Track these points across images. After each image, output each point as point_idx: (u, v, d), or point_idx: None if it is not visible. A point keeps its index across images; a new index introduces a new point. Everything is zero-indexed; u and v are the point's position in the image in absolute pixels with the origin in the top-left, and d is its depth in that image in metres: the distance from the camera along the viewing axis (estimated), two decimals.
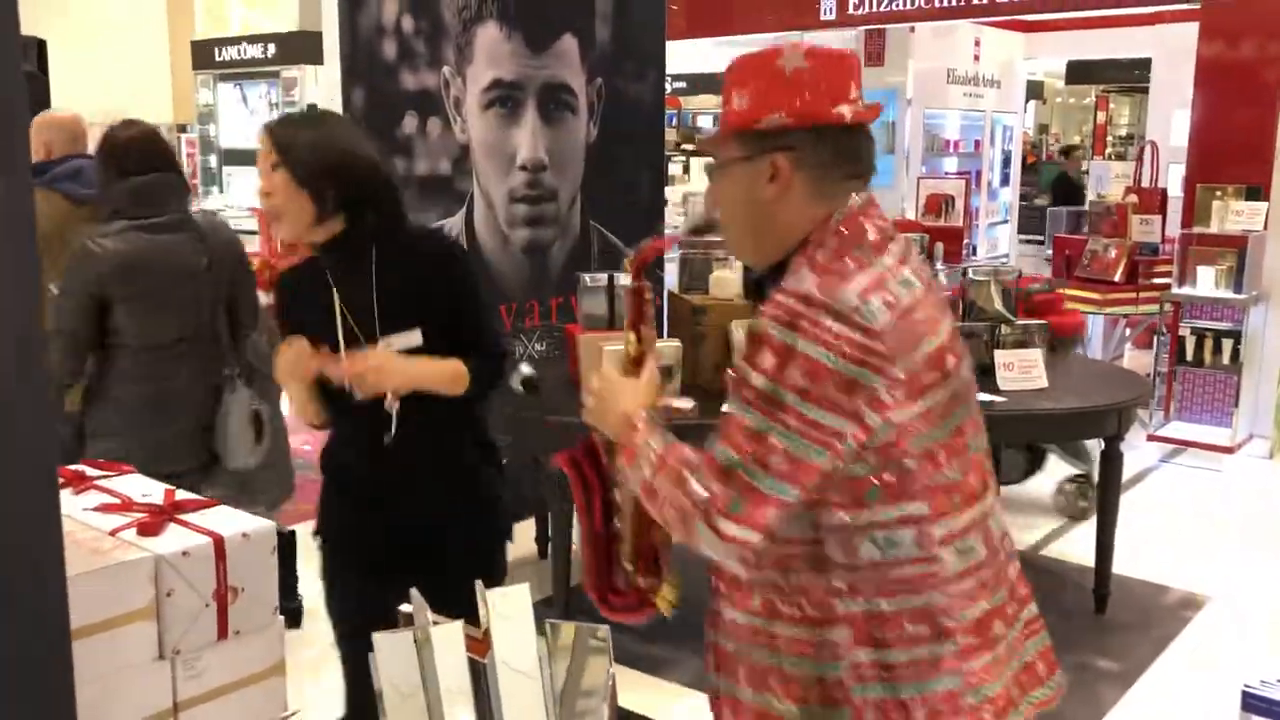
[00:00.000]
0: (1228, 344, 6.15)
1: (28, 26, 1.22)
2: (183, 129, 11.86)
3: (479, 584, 1.35)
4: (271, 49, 10.16)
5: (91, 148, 3.34)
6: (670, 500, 1.43)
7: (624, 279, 3.83)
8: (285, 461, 3.59)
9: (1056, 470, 5.28)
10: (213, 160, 11.16)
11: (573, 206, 4.89)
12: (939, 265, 6.36)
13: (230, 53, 10.55)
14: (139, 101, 9.69)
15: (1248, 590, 4.43)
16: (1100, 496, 4.19)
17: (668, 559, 1.72)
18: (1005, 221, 10.99)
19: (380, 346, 2.17)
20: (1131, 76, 13.70)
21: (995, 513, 1.56)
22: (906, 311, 1.42)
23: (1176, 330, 6.27)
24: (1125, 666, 3.83)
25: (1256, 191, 6.13)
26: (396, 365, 2.15)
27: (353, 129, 2.37)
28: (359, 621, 1.81)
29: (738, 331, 3.85)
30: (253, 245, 7.98)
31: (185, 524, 1.56)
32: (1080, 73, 14.81)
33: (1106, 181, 8.92)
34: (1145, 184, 8.11)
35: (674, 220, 8.67)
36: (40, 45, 5.25)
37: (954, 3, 7.86)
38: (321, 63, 4.34)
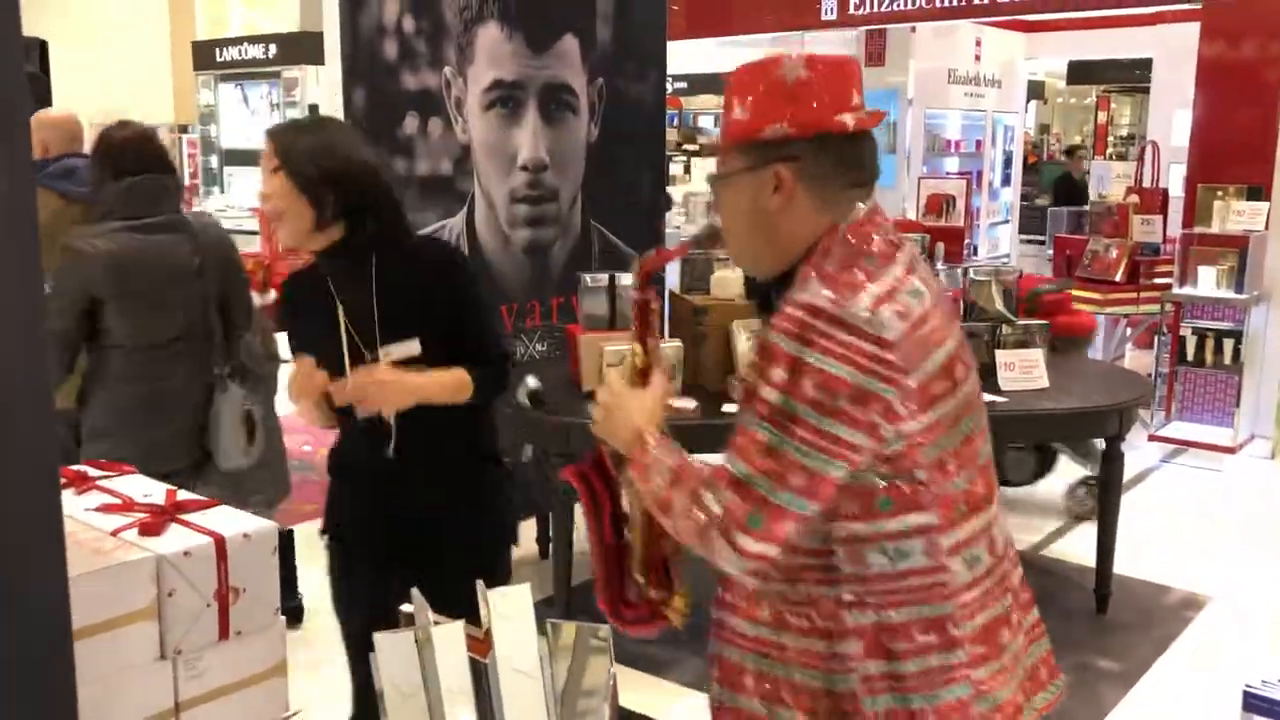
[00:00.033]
0: (1229, 344, 6.15)
1: (28, 27, 1.22)
2: (184, 129, 11.87)
3: (480, 584, 1.35)
4: (272, 49, 10.17)
5: (88, 148, 3.35)
6: (687, 516, 1.42)
7: (625, 279, 3.86)
8: (280, 461, 3.59)
9: (1066, 472, 5.28)
10: (214, 161, 11.17)
11: (574, 207, 4.89)
12: (940, 265, 6.36)
13: (231, 53, 10.56)
14: (140, 102, 9.71)
15: (1249, 590, 4.43)
16: (1101, 497, 4.19)
17: (678, 569, 1.71)
18: (1006, 221, 10.98)
19: (378, 356, 2.17)
20: (1132, 76, 13.69)
21: (999, 520, 1.56)
22: (918, 322, 1.41)
23: (1177, 330, 6.27)
24: (1126, 667, 3.83)
25: (1258, 191, 6.13)
26: (399, 382, 2.14)
27: (354, 136, 2.37)
28: (369, 618, 1.81)
29: (739, 332, 3.86)
30: (254, 246, 7.99)
31: (186, 524, 1.56)
32: (1081, 73, 14.81)
33: (1107, 181, 8.92)
34: (1146, 184, 8.10)
35: (674, 221, 8.68)
36: (43, 46, 5.26)
37: (955, 3, 7.85)
38: (322, 63, 4.33)
